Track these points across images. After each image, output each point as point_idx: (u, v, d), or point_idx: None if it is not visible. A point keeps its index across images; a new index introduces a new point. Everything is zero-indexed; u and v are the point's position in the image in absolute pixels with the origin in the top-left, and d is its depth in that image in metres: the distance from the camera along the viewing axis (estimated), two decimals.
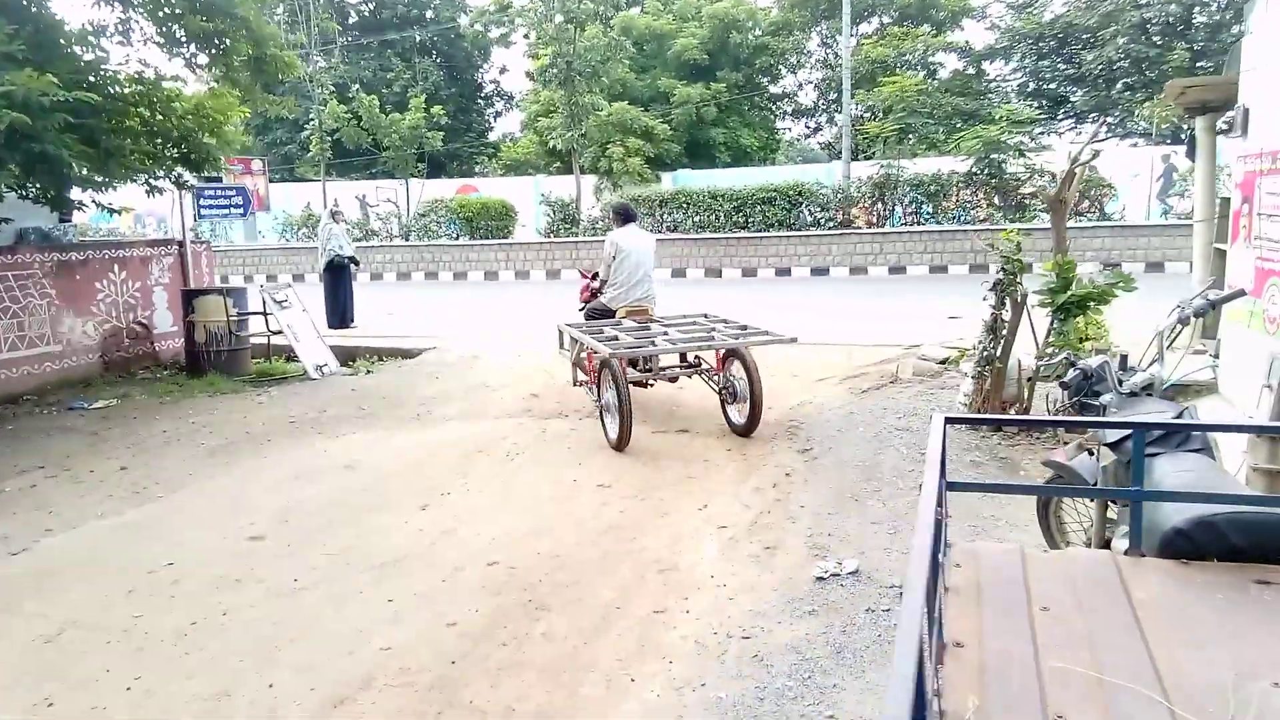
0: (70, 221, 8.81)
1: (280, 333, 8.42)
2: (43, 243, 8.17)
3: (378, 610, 3.48)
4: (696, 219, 18.49)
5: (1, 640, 3.32)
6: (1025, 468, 4.74)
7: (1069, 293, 5.00)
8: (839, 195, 17.71)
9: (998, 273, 5.24)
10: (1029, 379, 5.34)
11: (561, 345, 6.85)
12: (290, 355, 9.06)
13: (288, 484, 5.11)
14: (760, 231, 17.86)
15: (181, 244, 9.39)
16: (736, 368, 5.87)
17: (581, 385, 6.36)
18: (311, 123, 24.58)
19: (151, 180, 7.41)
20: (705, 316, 6.78)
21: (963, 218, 17.17)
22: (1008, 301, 5.27)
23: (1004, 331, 5.28)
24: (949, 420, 1.90)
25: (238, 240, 25.85)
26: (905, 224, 17.51)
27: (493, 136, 37.72)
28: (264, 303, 8.44)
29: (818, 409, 6.31)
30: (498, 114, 38.95)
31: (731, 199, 18.08)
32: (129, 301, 8.77)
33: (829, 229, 17.59)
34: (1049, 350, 5.17)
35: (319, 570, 3.87)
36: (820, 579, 3.58)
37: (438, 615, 3.43)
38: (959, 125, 23.53)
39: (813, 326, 10.12)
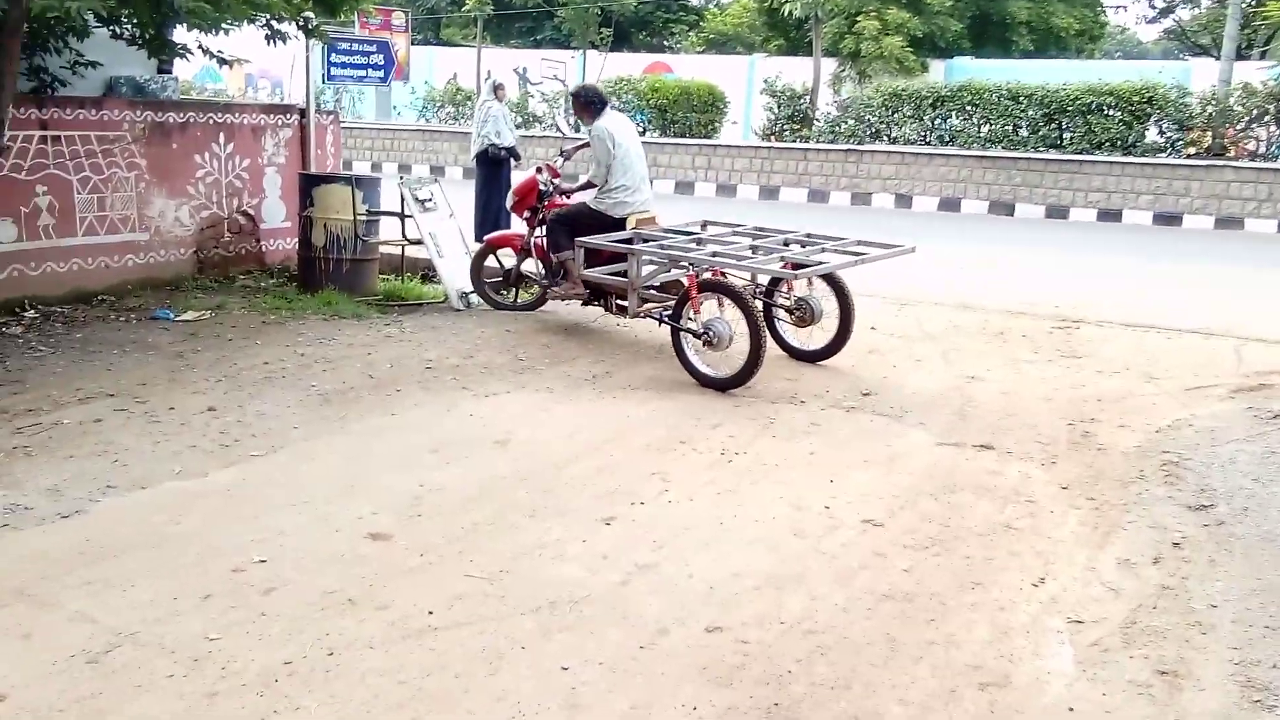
0: (170, 73, 9.01)
1: (420, 242, 8.29)
2: (135, 97, 8.36)
3: (547, 683, 3.05)
4: (986, 129, 17.19)
5: (27, 649, 3.14)
6: None
7: None
8: (1211, 108, 15.86)
9: None
10: None
11: (549, 269, 7.52)
12: (428, 274, 8.97)
13: (421, 459, 4.84)
14: (1082, 154, 16.33)
15: (304, 113, 9.44)
16: (803, 285, 6.61)
17: (641, 313, 6.69)
18: None
19: (275, 22, 7.33)
20: (705, 225, 7.51)
21: None
22: None
23: None
24: None
25: (368, 116, 26.78)
26: None
27: (695, 0, 37.14)
28: (402, 200, 8.31)
29: (1205, 437, 5.40)
30: None
31: (1042, 103, 16.62)
32: (234, 184, 8.90)
33: (1189, 158, 15.84)
34: None
35: (463, 601, 3.50)
36: None
37: (635, 709, 2.94)
38: None
39: (1166, 301, 9.01)
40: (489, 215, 11.43)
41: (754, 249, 6.72)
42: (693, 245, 6.66)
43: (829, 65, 23.58)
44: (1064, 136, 16.73)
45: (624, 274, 6.66)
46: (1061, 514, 4.46)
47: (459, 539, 3.99)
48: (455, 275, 8.25)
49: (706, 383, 6.14)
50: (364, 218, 8.23)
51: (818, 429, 5.51)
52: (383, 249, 8.78)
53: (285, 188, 9.20)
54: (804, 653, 3.27)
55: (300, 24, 7.82)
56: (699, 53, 32.42)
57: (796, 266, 6.29)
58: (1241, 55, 20.57)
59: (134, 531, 3.96)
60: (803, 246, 6.81)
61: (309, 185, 8.35)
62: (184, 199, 8.48)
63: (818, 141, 18.84)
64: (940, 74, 23.25)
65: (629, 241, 6.78)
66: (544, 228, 7.55)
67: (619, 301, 6.91)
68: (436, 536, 3.99)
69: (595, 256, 6.90)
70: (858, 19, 23.26)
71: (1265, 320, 8.13)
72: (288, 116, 9.37)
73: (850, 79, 23.47)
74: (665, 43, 34.91)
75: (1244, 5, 17.62)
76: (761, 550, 4.02)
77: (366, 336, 7.07)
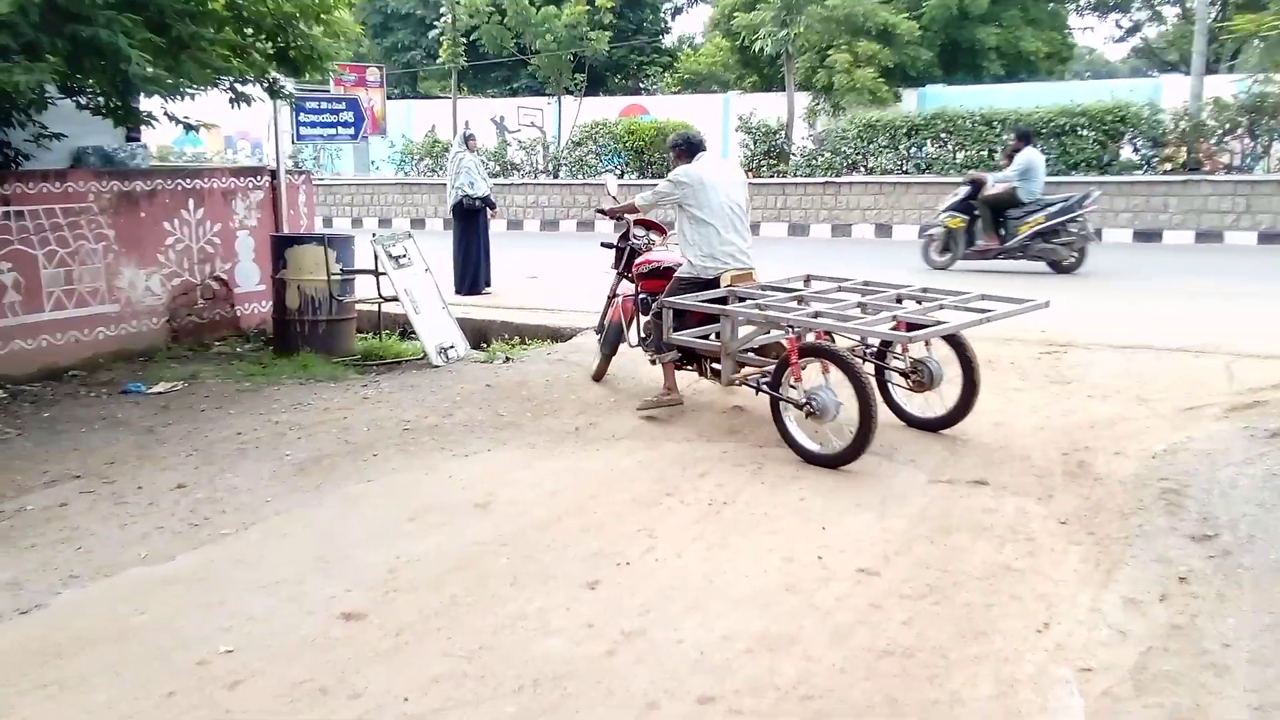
0: (139, 140, 8.89)
1: (395, 299, 8.14)
2: (103, 166, 8.24)
3: None
4: (961, 155, 17.17)
5: None
6: None
7: None
8: (1184, 124, 15.88)
9: None
10: None
11: (635, 337, 6.90)
12: (405, 330, 8.82)
13: (398, 529, 4.65)
14: (1059, 175, 16.31)
15: (275, 174, 9.33)
16: (920, 346, 5.88)
17: (738, 381, 6.13)
18: (442, 19, 24.96)
19: (237, 85, 7.23)
20: (808, 279, 6.86)
21: None
22: None
23: None
24: None
25: (346, 172, 26.75)
26: None
27: (668, 41, 37.39)
28: (375, 258, 8.18)
29: (1204, 461, 5.24)
30: (677, 10, 38.58)
31: (1017, 126, 16.60)
32: (206, 250, 8.77)
33: (1165, 174, 15.82)
34: None
35: (440, 685, 3.30)
36: None
37: None
38: None
39: (1152, 319, 8.88)
40: (468, 265, 11.32)
41: (862, 307, 5.98)
42: (793, 304, 6.09)
43: (803, 99, 23.68)
44: None
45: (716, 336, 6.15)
46: (1062, 551, 4.29)
47: (437, 615, 3.80)
48: (433, 331, 8.09)
49: (811, 459, 5.45)
50: (338, 277, 8.10)
51: (808, 472, 5.33)
52: (360, 307, 8.65)
53: (259, 250, 9.06)
54: None
55: (265, 86, 7.74)
56: (674, 93, 32.58)
57: (912, 326, 5.59)
58: (1210, 69, 20.69)
59: (95, 625, 3.76)
60: (918, 303, 6.15)
61: (281, 247, 8.22)
62: (154, 267, 8.34)
63: (795, 175, 18.81)
64: (913, 103, 23.34)
65: (723, 301, 6.15)
66: (626, 281, 7.04)
67: (714, 365, 6.30)
68: (413, 613, 3.80)
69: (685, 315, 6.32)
70: (829, 53, 23.40)
71: (1253, 335, 8.00)
72: (258, 178, 9.26)
73: (824, 112, 23.56)
74: (640, 85, 35.08)
75: (1210, 20, 17.72)
76: (753, 608, 3.83)
77: (343, 399, 6.90)
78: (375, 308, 8.65)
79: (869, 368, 5.93)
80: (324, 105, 9.67)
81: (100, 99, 7.08)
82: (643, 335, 6.76)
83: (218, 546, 4.51)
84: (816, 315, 5.69)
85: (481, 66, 30.31)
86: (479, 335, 9.21)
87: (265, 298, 8.97)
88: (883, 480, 5.20)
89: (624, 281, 7.12)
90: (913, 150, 17.87)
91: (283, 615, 3.81)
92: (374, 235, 8.39)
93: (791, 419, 5.58)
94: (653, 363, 6.68)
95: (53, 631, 3.72)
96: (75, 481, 5.35)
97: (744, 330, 6.14)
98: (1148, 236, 15.42)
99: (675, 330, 6.26)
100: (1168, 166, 16.15)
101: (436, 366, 7.85)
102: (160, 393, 7.17)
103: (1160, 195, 15.43)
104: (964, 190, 12.31)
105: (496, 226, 13.69)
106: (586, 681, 3.32)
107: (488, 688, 3.29)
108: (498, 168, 21.43)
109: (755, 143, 19.83)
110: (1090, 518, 4.63)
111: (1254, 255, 13.99)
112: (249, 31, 7.20)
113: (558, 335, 9.14)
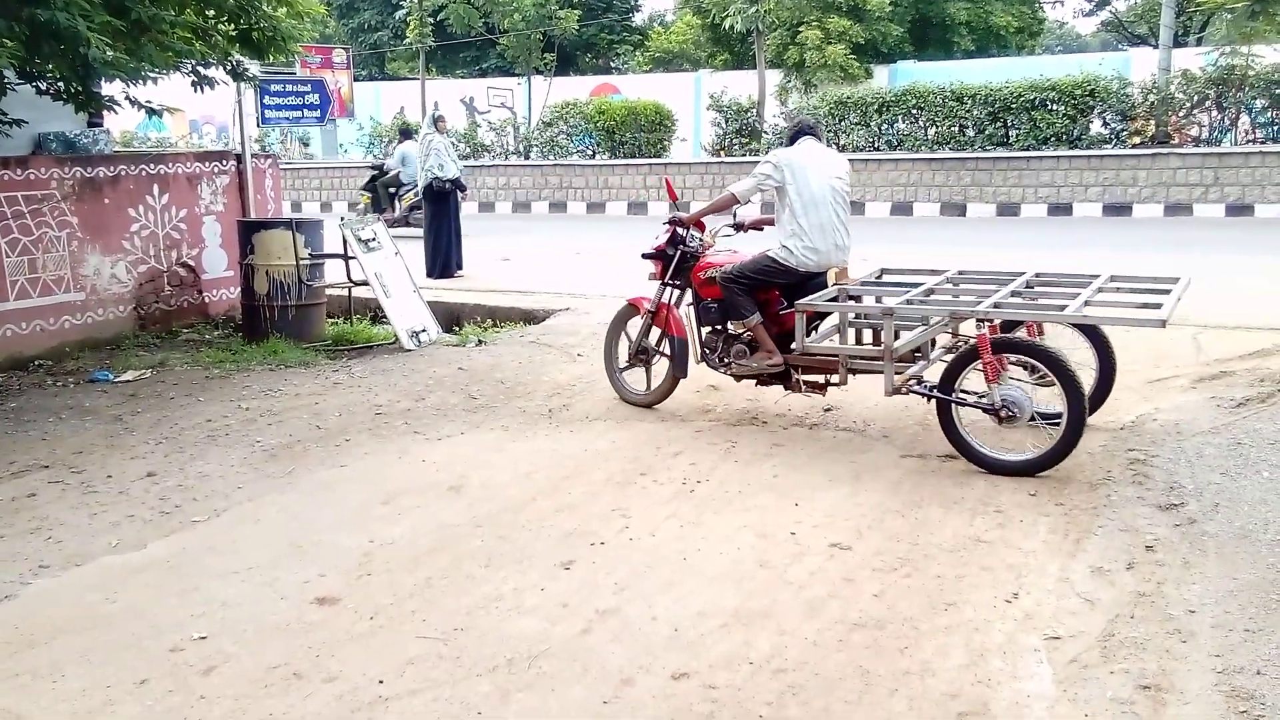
0: (101, 125, 8.80)
1: (365, 284, 8.12)
2: (65, 153, 8.15)
3: None
4: (932, 131, 17.25)
5: None
6: None
7: None
8: (1153, 97, 16.01)
9: None
10: None
11: (727, 351, 5.94)
12: (376, 315, 8.81)
13: (371, 512, 4.66)
14: (1029, 150, 16.43)
15: (240, 158, 9.26)
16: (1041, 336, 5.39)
17: (902, 389, 5.29)
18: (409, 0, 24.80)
19: (200, 68, 7.16)
20: (881, 273, 6.35)
21: None
22: None
23: None
24: None
25: (315, 155, 26.54)
26: (1253, 141, 15.67)
27: (638, 19, 37.29)
28: (344, 242, 8.15)
29: (1171, 431, 5.34)
30: None
31: (986, 102, 16.72)
32: (172, 235, 8.70)
33: (1134, 148, 15.97)
34: None
35: (415, 666, 3.33)
36: None
37: None
38: None
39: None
40: (439, 248, 11.30)
41: (1015, 294, 5.47)
42: (922, 296, 5.56)
43: (774, 77, 23.70)
44: (1010, 134, 16.85)
45: (812, 337, 5.66)
46: (1031, 522, 4.36)
47: (411, 597, 3.82)
48: (404, 314, 8.08)
49: (999, 468, 4.92)
50: (307, 262, 8.07)
51: (780, 450, 5.39)
52: (329, 292, 8.62)
53: (225, 236, 9.00)
54: (775, 694, 3.13)
55: (228, 69, 7.67)
56: (645, 72, 32.51)
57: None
58: (1179, 42, 20.86)
59: (67, 614, 3.75)
60: (1030, 288, 5.66)
61: (248, 232, 8.17)
62: (120, 254, 8.27)
63: (767, 153, 18.84)
64: (884, 79, 23.42)
65: (875, 299, 5.69)
66: (679, 290, 6.25)
67: (805, 378, 5.71)
68: (387, 596, 3.82)
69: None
70: (800, 30, 23.40)
71: (1220, 306, 8.12)
72: (224, 163, 9.19)
73: (796, 89, 23.59)
74: (611, 64, 34.98)
75: None
76: (727, 585, 3.88)
77: (314, 385, 6.89)
78: (345, 292, 8.62)
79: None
80: (289, 88, 9.61)
81: (60, 84, 7.00)
82: (706, 348, 6.11)
83: (189, 534, 4.50)
84: (997, 305, 5.16)
85: (449, 47, 30.14)
86: (451, 318, 9.21)
87: (233, 284, 8.93)
88: (856, 456, 5.25)
89: (669, 290, 6.26)
90: (884, 127, 17.92)
91: (256, 601, 3.82)
92: (343, 219, 8.36)
93: (965, 424, 5.06)
94: (734, 375, 5.98)
95: (24, 621, 3.71)
96: (44, 471, 5.32)
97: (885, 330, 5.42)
98: (1118, 210, 15.57)
99: (743, 304, 5.73)
100: (1136, 140, 16.30)
101: (408, 350, 7.84)
102: (128, 381, 7.13)
103: (1130, 169, 15.58)
104: (370, 173, 16.79)
105: (467, 209, 13.68)
106: (562, 660, 3.35)
107: (463, 668, 3.32)
108: (468, 149, 21.34)
109: (727, 121, 19.83)
110: (1059, 489, 4.70)
111: (1224, 227, 14.11)
112: (210, 13, 7.14)
113: (530, 317, 9.16)
